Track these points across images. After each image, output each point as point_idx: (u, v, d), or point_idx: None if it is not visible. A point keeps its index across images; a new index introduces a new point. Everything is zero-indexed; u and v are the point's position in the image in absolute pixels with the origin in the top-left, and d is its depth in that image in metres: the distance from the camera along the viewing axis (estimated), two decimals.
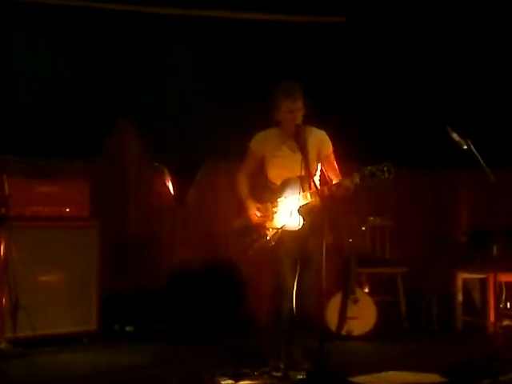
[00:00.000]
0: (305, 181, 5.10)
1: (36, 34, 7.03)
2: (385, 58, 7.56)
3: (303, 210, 5.10)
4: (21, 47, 6.98)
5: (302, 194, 5.10)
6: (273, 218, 5.22)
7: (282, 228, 5.16)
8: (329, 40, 7.53)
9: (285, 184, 5.20)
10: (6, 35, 6.92)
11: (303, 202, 5.09)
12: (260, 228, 5.23)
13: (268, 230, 5.20)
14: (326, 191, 4.98)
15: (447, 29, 7.48)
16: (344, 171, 5.24)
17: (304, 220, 5.10)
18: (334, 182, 5.11)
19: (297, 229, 5.12)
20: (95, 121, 7.13)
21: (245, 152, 5.40)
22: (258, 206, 5.27)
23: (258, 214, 5.25)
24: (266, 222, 5.24)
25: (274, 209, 5.24)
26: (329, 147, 5.29)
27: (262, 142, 5.34)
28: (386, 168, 4.84)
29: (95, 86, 7.14)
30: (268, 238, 5.19)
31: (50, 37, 7.06)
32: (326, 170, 5.27)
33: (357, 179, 4.90)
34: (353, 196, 5.02)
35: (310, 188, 5.08)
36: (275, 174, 5.28)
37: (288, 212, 5.15)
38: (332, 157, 5.29)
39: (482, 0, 7.37)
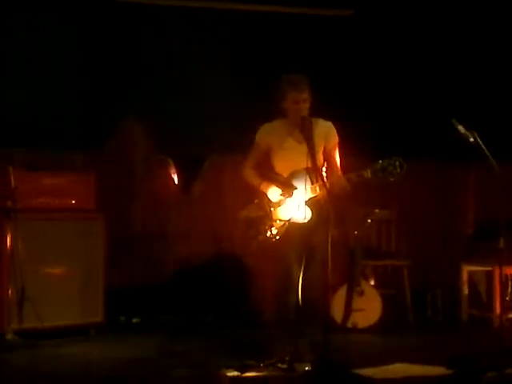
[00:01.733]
0: (312, 173, 5.08)
1: (38, 29, 7.01)
2: (391, 51, 7.54)
3: (311, 203, 5.10)
4: (22, 42, 6.96)
5: (310, 186, 5.08)
6: (292, 195, 5.16)
7: (289, 220, 5.14)
8: (336, 33, 7.51)
9: (292, 176, 5.19)
10: (7, 30, 6.90)
11: (312, 194, 5.07)
12: (266, 220, 5.21)
13: (275, 221, 5.19)
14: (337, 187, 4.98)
15: (454, 22, 7.46)
16: (350, 164, 5.24)
17: (312, 213, 5.10)
18: (338, 175, 5.09)
19: (304, 221, 5.10)
20: (102, 113, 7.12)
21: (250, 145, 5.39)
22: (276, 183, 5.22)
23: (280, 190, 5.20)
24: (279, 207, 5.20)
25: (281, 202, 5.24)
26: (334, 139, 5.26)
27: (268, 133, 5.31)
28: (397, 162, 4.83)
29: (100, 79, 7.13)
30: (274, 230, 5.17)
31: (53, 32, 7.04)
32: (329, 161, 5.24)
33: (368, 174, 4.89)
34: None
35: (317, 180, 5.07)
36: (282, 166, 5.26)
37: (295, 204, 5.13)
38: (336, 149, 5.26)
39: None
